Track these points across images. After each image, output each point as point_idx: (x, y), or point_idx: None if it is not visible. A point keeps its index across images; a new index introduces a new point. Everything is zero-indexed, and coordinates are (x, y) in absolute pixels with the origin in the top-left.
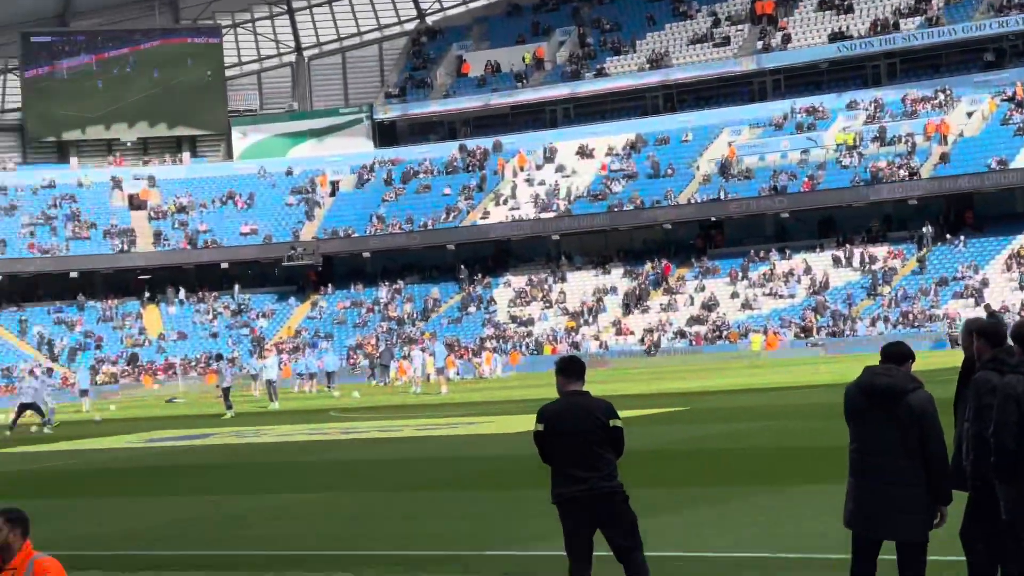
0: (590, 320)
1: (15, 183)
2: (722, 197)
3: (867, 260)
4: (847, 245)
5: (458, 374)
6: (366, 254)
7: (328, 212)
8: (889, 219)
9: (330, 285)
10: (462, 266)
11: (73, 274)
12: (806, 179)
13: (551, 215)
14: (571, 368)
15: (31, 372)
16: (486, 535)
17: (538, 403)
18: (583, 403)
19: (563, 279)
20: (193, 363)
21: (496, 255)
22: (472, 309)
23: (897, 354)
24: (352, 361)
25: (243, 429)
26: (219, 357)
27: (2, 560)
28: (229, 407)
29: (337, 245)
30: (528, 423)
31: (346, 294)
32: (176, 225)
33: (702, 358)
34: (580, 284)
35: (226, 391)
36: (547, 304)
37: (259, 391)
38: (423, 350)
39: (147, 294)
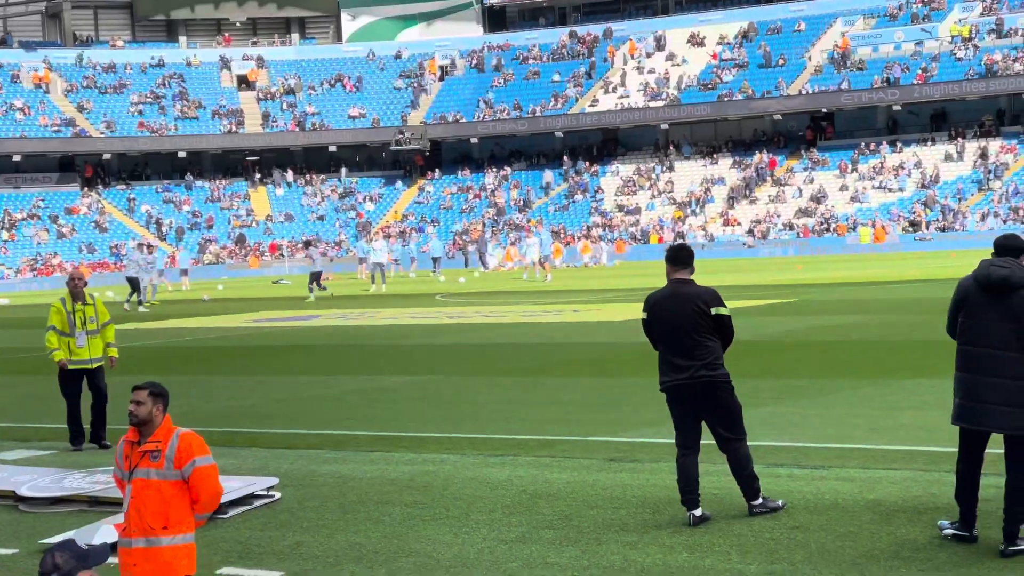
0: (697, 210)
1: (124, 60)
2: (833, 88)
3: (979, 154)
4: (959, 139)
5: (564, 262)
6: (474, 140)
7: (436, 97)
8: (1002, 113)
9: (437, 170)
10: (569, 153)
11: (181, 154)
12: (919, 71)
13: (660, 104)
14: (679, 256)
15: (140, 246)
16: (591, 421)
17: (643, 292)
18: (686, 291)
19: (671, 168)
20: (300, 245)
21: (604, 143)
22: (579, 197)
23: (1013, 247)
24: (458, 246)
25: (350, 311)
26: (307, 244)
27: (142, 434)
28: (311, 290)
29: (444, 130)
30: (633, 311)
31: (453, 179)
32: (284, 107)
33: (809, 251)
34: (688, 174)
35: (315, 276)
36: (655, 193)
37: (365, 274)
38: (530, 235)
39: (256, 175)
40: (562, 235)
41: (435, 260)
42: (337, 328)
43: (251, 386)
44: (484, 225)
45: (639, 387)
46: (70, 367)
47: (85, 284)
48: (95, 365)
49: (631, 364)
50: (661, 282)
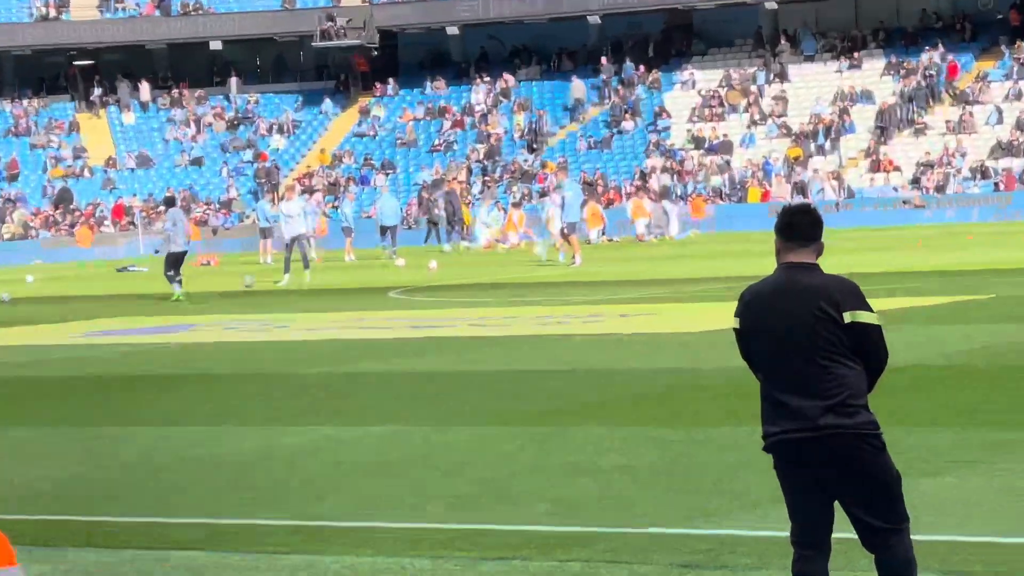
0: (826, 146)
1: None
2: None
3: None
4: None
5: (603, 233)
6: (452, 30)
7: None
8: None
9: (391, 81)
10: (612, 52)
11: None
12: None
13: None
14: (796, 225)
15: None
16: (650, 501)
17: (736, 284)
18: (805, 283)
19: (782, 76)
20: (159, 208)
21: (669, 34)
22: (627, 125)
23: None
24: (424, 210)
25: (246, 318)
26: (170, 202)
27: None
28: (176, 281)
29: (402, 13)
30: (719, 316)
31: (417, 97)
32: None
33: (1014, 213)
34: (810, 85)
35: (174, 259)
36: (754, 118)
37: (271, 254)
38: (555, 192)
39: (90, 91)
40: (600, 189)
41: (386, 231)
42: (226, 346)
43: (84, 444)
44: (469, 173)
45: (728, 443)
46: None
47: None
48: None
49: (714, 404)
50: (766, 265)
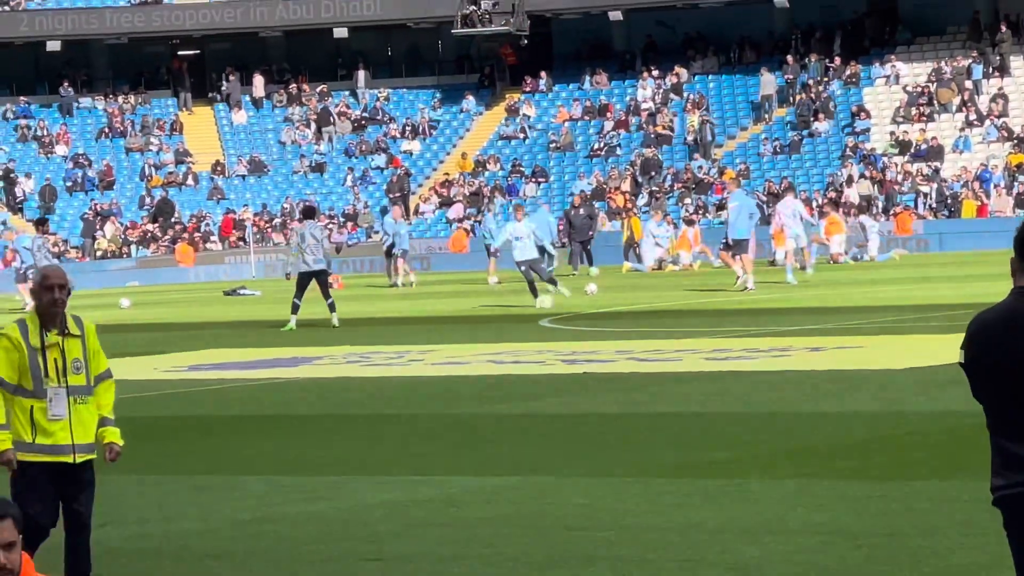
0: None
1: None
2: None
3: None
4: None
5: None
6: (615, 15)
7: None
8: None
9: (543, 74)
10: (801, 41)
11: (52, 45)
12: None
13: None
14: None
15: None
16: (850, 570)
17: (949, 312)
18: None
19: (1002, 70)
20: (278, 219)
21: (868, 20)
22: (820, 125)
23: None
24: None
25: (376, 349)
26: (308, 213)
27: None
28: (294, 308)
29: None
30: (931, 350)
31: (574, 92)
32: None
33: None
34: None
35: (309, 280)
36: (970, 119)
37: (405, 276)
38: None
39: (191, 85)
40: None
41: (527, 265)
42: (354, 382)
43: (190, 495)
44: (634, 183)
45: (936, 500)
46: (30, 458)
47: (69, 294)
48: (82, 459)
49: (920, 455)
50: (985, 292)
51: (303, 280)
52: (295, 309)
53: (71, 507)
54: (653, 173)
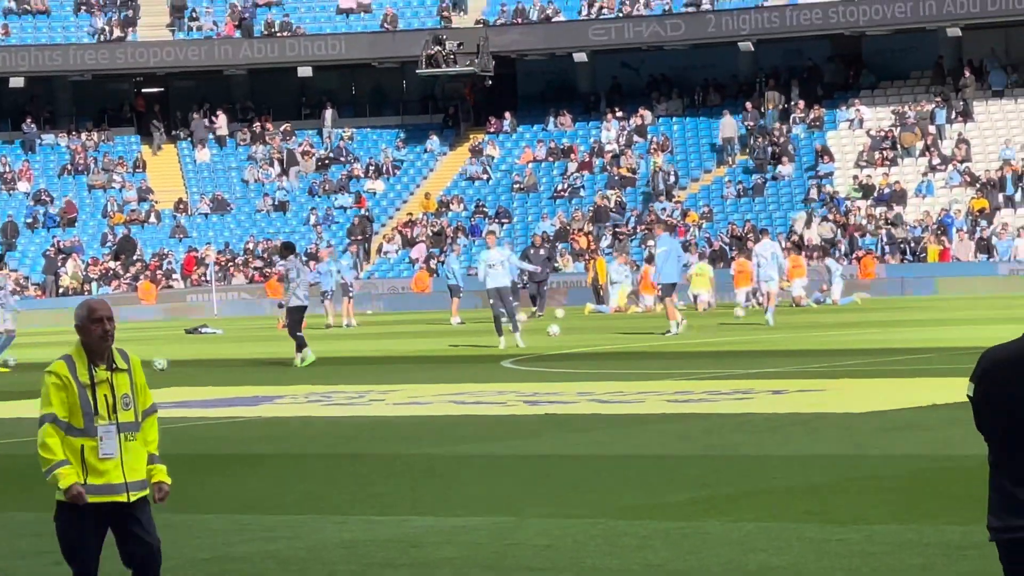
0: (1016, 197)
1: None
2: None
3: None
4: None
5: (753, 295)
6: (580, 56)
7: None
8: None
9: (508, 115)
10: (766, 83)
11: (14, 82)
12: None
13: None
14: None
15: None
16: None
17: (912, 356)
18: None
19: (965, 114)
20: (240, 258)
21: (833, 63)
22: (783, 169)
23: None
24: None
25: (335, 388)
26: (288, 249)
27: None
28: (300, 346)
29: (523, 38)
30: (893, 394)
31: (538, 133)
32: None
33: None
34: (999, 124)
35: (293, 315)
36: (933, 163)
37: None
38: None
39: (158, 123)
40: (750, 244)
41: (497, 294)
42: (315, 421)
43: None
44: (597, 222)
45: (895, 544)
46: (91, 500)
47: (113, 326)
48: (136, 496)
49: (880, 498)
50: (956, 336)
51: (300, 314)
52: (303, 344)
53: (130, 547)
54: (607, 222)
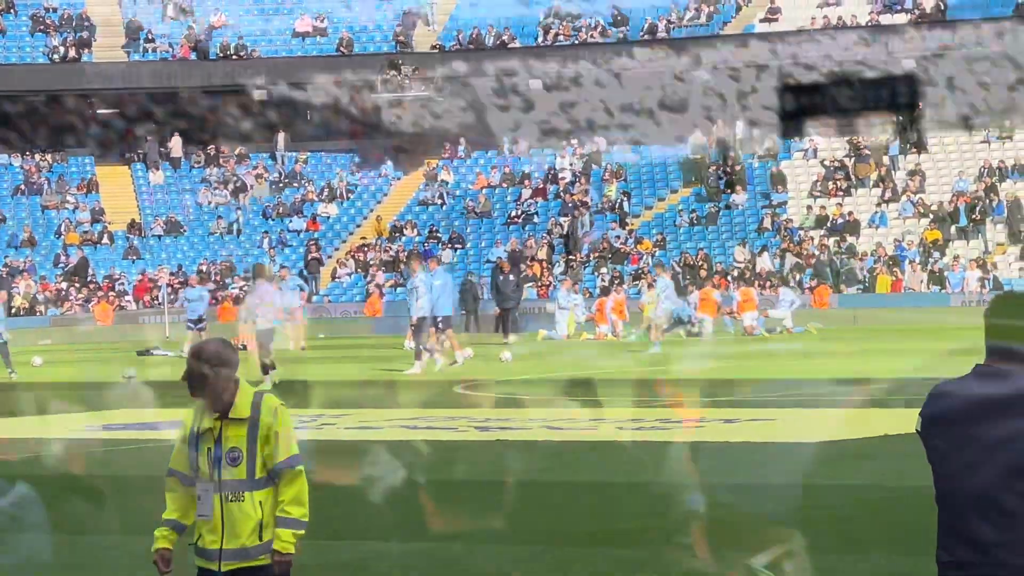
0: (969, 229)
1: None
2: None
3: None
4: None
5: (688, 322)
6: (535, 83)
7: None
8: None
9: (462, 141)
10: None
11: None
12: None
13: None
14: (1000, 316)
15: None
16: None
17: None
18: (1005, 390)
19: (919, 145)
20: (189, 282)
21: (790, 88)
22: (737, 198)
23: None
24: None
25: (298, 413)
26: (260, 271)
27: None
28: (266, 368)
29: (479, 63)
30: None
31: (493, 157)
32: (169, 14)
33: None
34: (952, 156)
35: (261, 338)
36: (888, 193)
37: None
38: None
39: (114, 142)
40: (704, 273)
41: (437, 321)
42: None
43: (95, 553)
44: (551, 251)
45: (859, 572)
46: (198, 564)
47: (214, 370)
48: (229, 568)
49: (829, 527)
50: (906, 367)
51: (267, 337)
52: (269, 369)
53: None
54: (570, 241)
